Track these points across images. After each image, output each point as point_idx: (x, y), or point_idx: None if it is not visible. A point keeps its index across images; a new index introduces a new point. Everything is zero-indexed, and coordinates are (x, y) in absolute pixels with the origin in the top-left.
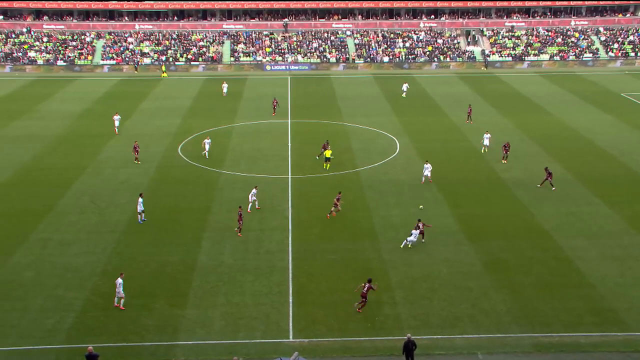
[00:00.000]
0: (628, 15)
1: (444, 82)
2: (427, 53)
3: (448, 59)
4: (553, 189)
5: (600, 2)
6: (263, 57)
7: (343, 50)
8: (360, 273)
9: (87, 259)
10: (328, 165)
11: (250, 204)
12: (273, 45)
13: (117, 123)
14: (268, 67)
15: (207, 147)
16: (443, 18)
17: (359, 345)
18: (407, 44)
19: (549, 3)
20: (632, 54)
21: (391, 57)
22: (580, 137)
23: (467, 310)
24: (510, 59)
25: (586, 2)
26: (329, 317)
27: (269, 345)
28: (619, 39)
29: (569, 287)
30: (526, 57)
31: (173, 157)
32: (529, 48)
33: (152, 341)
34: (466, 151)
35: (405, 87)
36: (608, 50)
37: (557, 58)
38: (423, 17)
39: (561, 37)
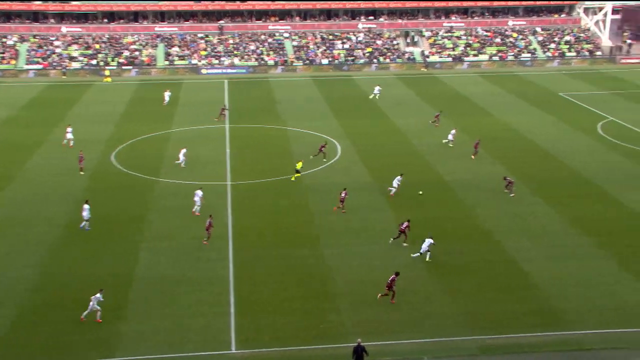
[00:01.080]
0: (563, 15)
1: (385, 83)
2: (367, 54)
3: (388, 60)
4: (511, 195)
5: (537, 3)
6: (199, 61)
7: (281, 52)
8: (304, 280)
9: (16, 274)
10: (297, 176)
11: (199, 207)
12: (209, 48)
13: (69, 135)
14: (204, 71)
15: (181, 156)
16: (382, 19)
17: (304, 354)
18: (346, 46)
19: (486, 3)
20: (569, 54)
21: (330, 59)
22: (522, 138)
23: (413, 315)
24: (450, 59)
25: (523, 2)
26: (273, 326)
27: (210, 358)
28: (556, 39)
29: (513, 288)
30: (465, 58)
31: (107, 165)
32: (468, 48)
33: (85, 359)
34: (409, 154)
35: (377, 89)
36: (545, 50)
37: (496, 58)
38: (361, 18)
39: (500, 37)
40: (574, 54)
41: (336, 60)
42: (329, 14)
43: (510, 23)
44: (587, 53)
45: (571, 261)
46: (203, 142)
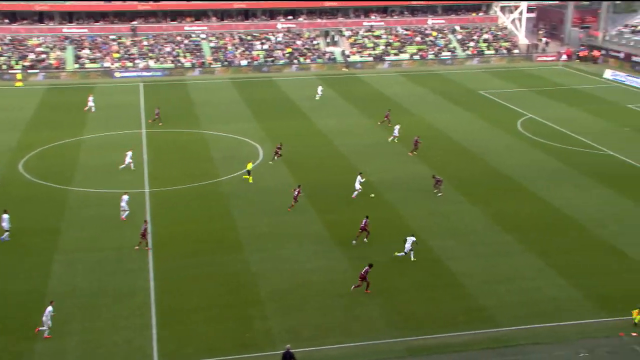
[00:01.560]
0: (481, 14)
1: (305, 84)
2: (287, 55)
3: (308, 61)
4: (439, 194)
5: (455, 2)
6: (111, 64)
7: (198, 54)
8: (229, 287)
9: None
10: (250, 178)
11: (126, 212)
12: (122, 51)
13: None
14: (117, 74)
15: (127, 159)
16: (301, 18)
17: None
18: (265, 46)
19: (405, 2)
20: (488, 52)
21: (249, 60)
22: (444, 136)
23: (341, 319)
24: (371, 59)
25: (441, 1)
26: (197, 337)
27: None
28: (475, 37)
29: (440, 287)
30: (386, 57)
31: (14, 175)
32: (388, 48)
33: None
34: (332, 156)
35: (320, 89)
36: (465, 48)
37: (417, 57)
38: (280, 18)
39: (420, 36)
40: (492, 52)
41: (255, 62)
42: (246, 14)
43: (430, 22)
44: (505, 51)
45: (496, 258)
46: (118, 149)
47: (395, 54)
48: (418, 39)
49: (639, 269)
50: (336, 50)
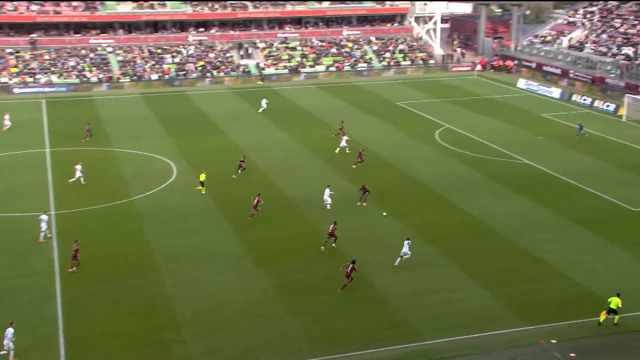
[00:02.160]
0: (396, 24)
1: (220, 98)
2: (199, 68)
3: (222, 74)
4: (364, 204)
5: (370, 12)
6: (9, 79)
7: (105, 68)
8: (144, 312)
9: None
10: (203, 189)
11: (44, 233)
12: (20, 65)
13: None
14: (17, 90)
15: (78, 173)
16: (213, 30)
17: None
18: (177, 60)
19: (319, 13)
20: (404, 63)
21: (160, 74)
22: (363, 149)
23: (263, 339)
24: (286, 71)
25: (356, 12)
26: None
27: None
28: (390, 48)
29: (365, 302)
30: (302, 69)
31: None
32: (304, 59)
33: None
34: (249, 171)
35: (264, 102)
36: (381, 59)
37: (333, 69)
38: (191, 30)
39: (335, 47)
40: (408, 62)
41: (167, 76)
42: (155, 26)
43: (345, 33)
44: (421, 62)
45: (419, 270)
46: (20, 170)
47: (311, 66)
48: (334, 50)
49: (558, 275)
50: (250, 63)
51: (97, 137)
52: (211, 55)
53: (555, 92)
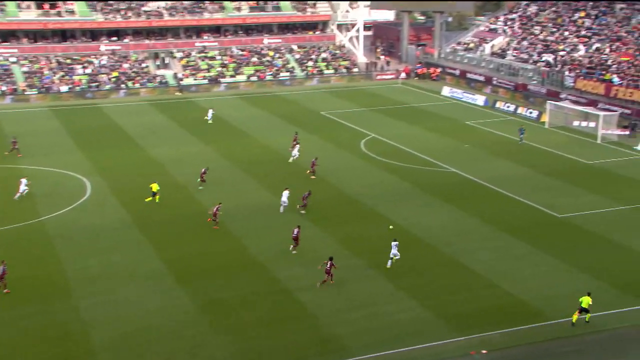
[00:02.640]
0: (318, 32)
1: (136, 110)
2: (113, 79)
3: (137, 85)
4: (302, 212)
5: (291, 19)
6: None
7: (9, 80)
8: (56, 339)
9: None
10: (157, 198)
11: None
12: None
13: None
14: None
15: (21, 187)
16: (126, 40)
17: None
18: (88, 70)
19: (239, 21)
20: (327, 72)
21: (70, 85)
22: (286, 160)
23: None
24: (205, 81)
25: (276, 19)
26: None
27: None
28: (313, 56)
29: (291, 319)
30: (222, 79)
31: None
32: (224, 69)
33: None
34: (168, 186)
35: (210, 113)
36: (303, 68)
37: (255, 78)
38: (103, 39)
39: (256, 56)
40: (332, 71)
41: (77, 87)
42: (64, 35)
43: (266, 41)
44: (344, 70)
45: (347, 284)
46: None
47: (232, 76)
48: (255, 59)
49: (487, 284)
50: (168, 73)
51: (1, 153)
52: (125, 65)
53: (480, 99)
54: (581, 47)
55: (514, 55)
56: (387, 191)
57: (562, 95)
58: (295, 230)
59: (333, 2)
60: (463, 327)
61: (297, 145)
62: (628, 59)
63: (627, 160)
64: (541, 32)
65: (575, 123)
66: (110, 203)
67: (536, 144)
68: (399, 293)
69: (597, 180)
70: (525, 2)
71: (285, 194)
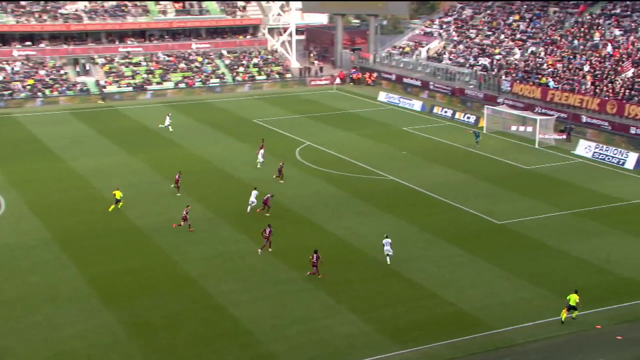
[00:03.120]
0: (249, 37)
1: (54, 120)
2: (28, 87)
3: (56, 93)
4: (266, 214)
5: (220, 23)
6: None
7: None
8: None
9: None
10: (120, 204)
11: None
12: None
13: None
14: None
15: None
16: (42, 44)
17: None
18: (0, 77)
19: (164, 25)
20: (259, 78)
21: None
22: (217, 170)
23: None
24: (130, 89)
25: (204, 23)
26: None
27: None
28: (244, 62)
29: (225, 337)
30: (148, 86)
31: None
32: (150, 76)
33: None
34: (92, 200)
35: (167, 119)
36: (234, 74)
37: (183, 85)
38: (16, 44)
39: (184, 62)
40: (264, 77)
41: None
42: None
43: (194, 46)
44: (277, 76)
45: (284, 299)
46: None
47: (158, 83)
48: (183, 65)
49: (428, 295)
50: (89, 81)
51: None
52: (42, 72)
53: (417, 104)
54: (517, 50)
55: (451, 59)
56: (324, 200)
57: (499, 100)
58: (268, 230)
59: (264, 5)
60: (405, 339)
61: (262, 150)
62: (555, 63)
63: (564, 164)
64: (477, 36)
65: (513, 128)
66: (26, 219)
67: (474, 149)
68: (339, 306)
69: (536, 186)
70: (460, 5)
71: (254, 193)
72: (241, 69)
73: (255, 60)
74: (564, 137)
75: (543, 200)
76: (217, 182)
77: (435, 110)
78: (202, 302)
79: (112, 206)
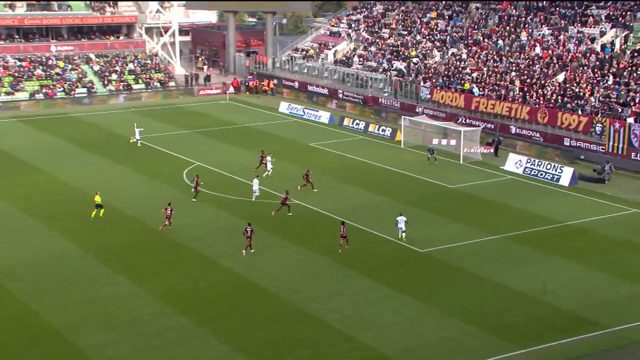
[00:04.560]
0: (122, 37)
1: None
2: None
3: None
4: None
5: (85, 22)
6: None
7: None
8: None
9: None
10: (101, 211)
11: None
12: None
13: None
14: None
15: None
16: None
17: None
18: None
19: (14, 22)
20: (137, 87)
21: None
22: (87, 199)
23: None
24: None
25: (66, 22)
26: None
27: None
28: (117, 67)
29: None
30: None
31: None
32: None
33: None
34: None
35: (137, 132)
36: (106, 83)
37: (41, 96)
38: None
39: (41, 67)
40: (142, 86)
41: None
42: None
43: (54, 49)
44: (158, 84)
45: (171, 349)
46: None
47: (8, 93)
48: (39, 71)
49: (343, 338)
50: None
51: None
52: None
53: (324, 116)
54: (436, 52)
55: (361, 64)
56: (219, 231)
57: (418, 110)
58: (249, 229)
59: (140, 1)
60: None
61: (269, 158)
62: (479, 66)
63: (493, 182)
64: (390, 36)
65: (435, 141)
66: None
67: (391, 167)
68: (238, 356)
69: (462, 207)
70: (370, 1)
71: (256, 182)
72: (114, 76)
73: (131, 66)
74: (491, 150)
75: (471, 224)
76: (88, 212)
77: (346, 122)
78: (69, 358)
79: (94, 212)
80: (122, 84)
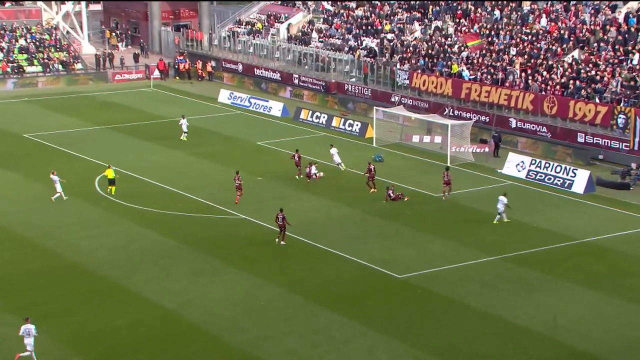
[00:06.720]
0: (9, 5)
1: None
2: None
3: None
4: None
5: None
6: None
7: None
8: None
9: None
10: (113, 189)
11: None
12: None
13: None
14: None
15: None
16: None
17: None
18: None
19: None
20: (31, 69)
21: None
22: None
23: None
24: None
25: None
26: None
27: None
28: (4, 44)
29: None
30: None
31: None
32: None
33: None
34: None
35: (184, 124)
36: None
37: None
38: None
39: None
40: (39, 68)
41: None
42: None
43: None
44: (60, 66)
45: None
46: None
47: None
48: None
49: None
50: None
51: None
52: None
53: (275, 107)
54: (416, 26)
55: (322, 41)
56: (142, 254)
57: (394, 99)
58: (280, 216)
59: None
60: None
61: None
62: (477, 41)
63: (488, 189)
64: (358, 6)
65: (415, 138)
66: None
67: (361, 171)
68: None
69: (450, 221)
70: None
71: (334, 151)
72: (0, 55)
73: (22, 42)
74: (487, 149)
75: (460, 242)
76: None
77: (303, 115)
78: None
79: (111, 187)
80: (10, 65)
